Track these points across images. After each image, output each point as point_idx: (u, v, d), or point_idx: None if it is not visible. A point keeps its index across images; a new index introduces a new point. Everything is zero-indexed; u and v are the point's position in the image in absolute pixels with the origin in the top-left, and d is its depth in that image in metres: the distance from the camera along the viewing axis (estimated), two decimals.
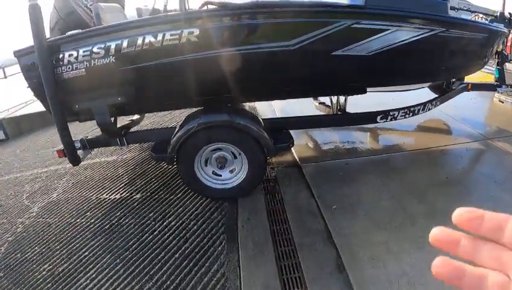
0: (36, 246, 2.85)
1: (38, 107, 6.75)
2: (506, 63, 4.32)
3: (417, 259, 2.16)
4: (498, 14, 3.73)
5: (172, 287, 2.19)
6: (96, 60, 2.50)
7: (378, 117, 3.26)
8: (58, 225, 3.06)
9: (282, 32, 2.55)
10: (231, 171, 3.01)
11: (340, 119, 3.54)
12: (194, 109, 3.05)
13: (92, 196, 3.47)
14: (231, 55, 2.51)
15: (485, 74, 5.47)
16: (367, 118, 3.33)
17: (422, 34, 2.64)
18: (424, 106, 3.49)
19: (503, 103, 4.80)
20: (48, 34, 2.60)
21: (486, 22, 3.61)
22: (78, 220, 3.08)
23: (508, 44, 4.43)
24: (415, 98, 3.80)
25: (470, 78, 4.34)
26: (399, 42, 2.62)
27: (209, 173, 3.00)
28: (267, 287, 2.10)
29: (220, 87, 2.78)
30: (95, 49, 2.49)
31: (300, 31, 2.49)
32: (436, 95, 4.00)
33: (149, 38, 2.45)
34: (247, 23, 2.56)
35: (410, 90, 4.21)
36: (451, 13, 3.54)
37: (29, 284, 2.44)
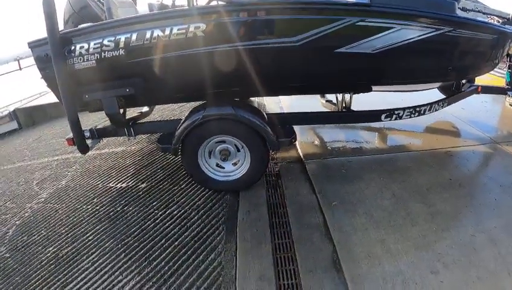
0: (43, 229, 2.96)
1: (51, 98, 6.95)
2: None
3: (414, 259, 2.16)
4: (510, 16, 3.67)
5: (169, 272, 2.25)
6: (106, 52, 2.57)
7: (383, 116, 3.23)
8: (65, 211, 3.17)
9: (286, 29, 2.56)
10: (234, 164, 3.05)
11: (345, 116, 3.55)
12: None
13: (99, 184, 3.57)
14: (236, 50, 2.55)
15: (498, 78, 5.39)
16: (371, 116, 3.31)
17: (427, 33, 2.61)
18: (431, 106, 3.44)
19: None
20: (61, 27, 2.68)
21: (498, 23, 3.56)
22: (84, 207, 3.18)
23: None
24: (427, 100, 3.74)
25: (481, 81, 4.28)
26: (404, 41, 2.60)
27: (212, 164, 3.05)
28: (261, 277, 2.14)
29: (226, 81, 2.82)
30: (105, 42, 2.55)
31: (304, 28, 2.51)
32: (445, 96, 3.96)
33: (157, 32, 2.50)
34: (252, 19, 2.59)
35: (418, 90, 4.16)
36: (463, 14, 3.50)
37: (33, 265, 2.54)
